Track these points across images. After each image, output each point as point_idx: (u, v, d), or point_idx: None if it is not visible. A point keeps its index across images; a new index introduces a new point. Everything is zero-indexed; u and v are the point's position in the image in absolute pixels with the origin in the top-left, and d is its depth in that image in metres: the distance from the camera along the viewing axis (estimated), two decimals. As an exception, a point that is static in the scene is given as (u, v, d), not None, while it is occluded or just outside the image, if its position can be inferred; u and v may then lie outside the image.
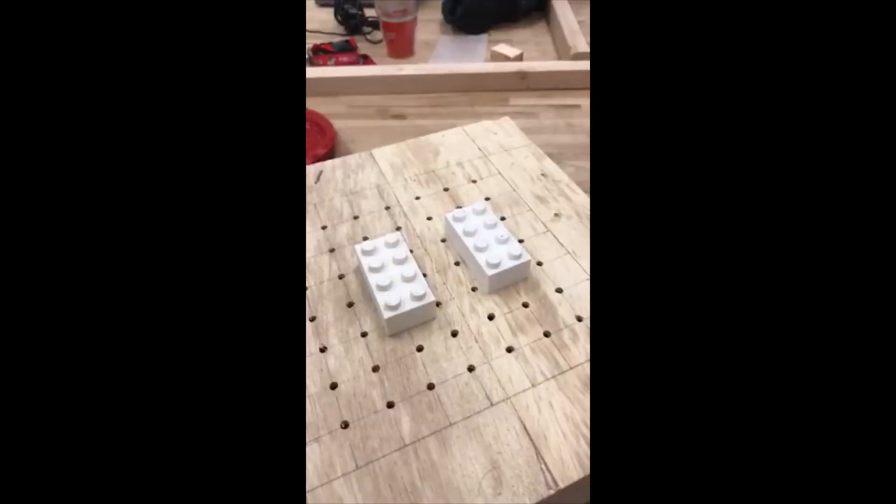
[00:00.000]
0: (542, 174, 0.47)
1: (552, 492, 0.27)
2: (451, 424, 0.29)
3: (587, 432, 0.29)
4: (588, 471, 0.28)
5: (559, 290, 0.37)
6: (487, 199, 0.45)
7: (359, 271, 0.38)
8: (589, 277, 0.38)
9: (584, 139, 0.63)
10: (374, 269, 0.36)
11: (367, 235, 0.41)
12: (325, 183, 0.47)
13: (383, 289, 0.35)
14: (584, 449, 0.28)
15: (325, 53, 0.81)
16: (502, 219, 0.43)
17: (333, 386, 0.32)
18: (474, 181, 0.47)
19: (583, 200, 0.44)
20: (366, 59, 0.80)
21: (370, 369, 0.32)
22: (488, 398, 0.31)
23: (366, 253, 0.37)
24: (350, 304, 0.36)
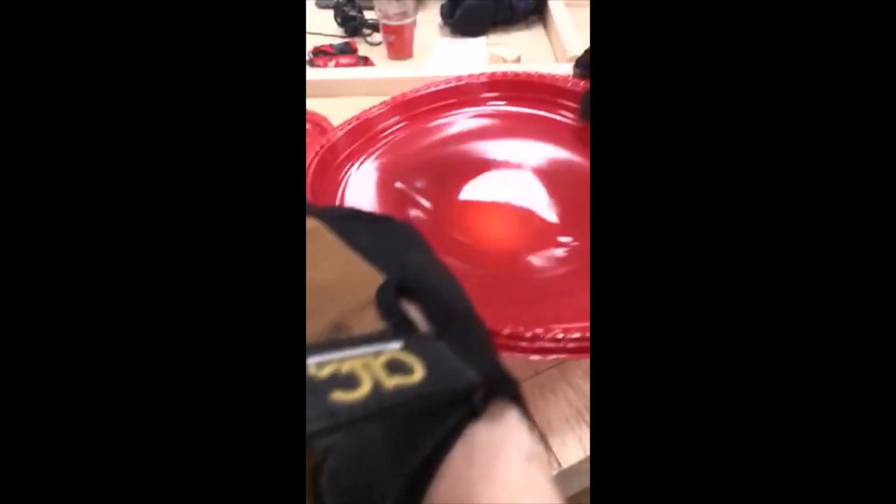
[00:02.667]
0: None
1: (555, 472, 0.28)
2: (459, 410, 0.31)
3: (588, 417, 0.31)
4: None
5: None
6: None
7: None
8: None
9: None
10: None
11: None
12: (331, 181, 0.48)
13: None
14: (586, 432, 0.30)
15: (325, 55, 0.82)
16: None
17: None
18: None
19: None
20: (366, 61, 0.81)
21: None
22: (494, 385, 0.32)
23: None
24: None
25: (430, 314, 0.17)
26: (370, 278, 0.18)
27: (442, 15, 0.91)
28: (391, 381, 0.14)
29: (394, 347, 0.15)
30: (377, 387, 0.14)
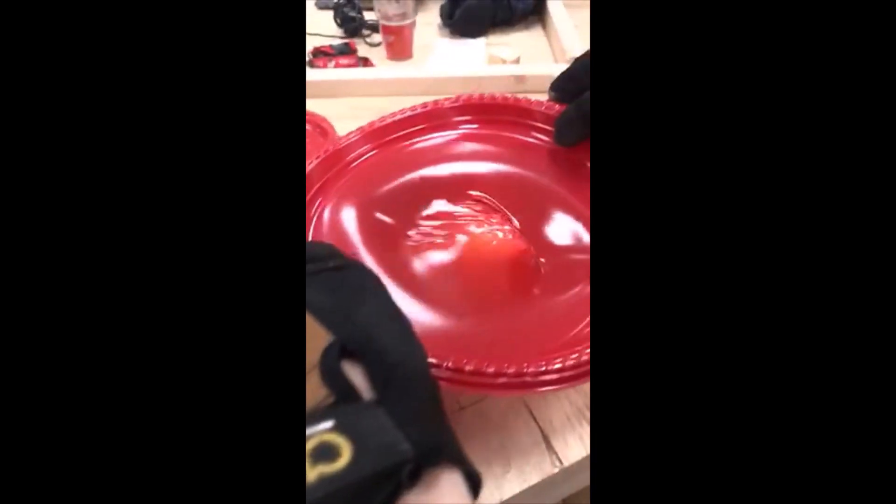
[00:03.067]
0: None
1: (557, 470, 0.28)
2: (461, 409, 0.31)
3: (589, 415, 0.31)
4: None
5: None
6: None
7: (367, 266, 0.40)
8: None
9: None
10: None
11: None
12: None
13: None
14: (587, 430, 0.30)
15: (324, 56, 0.82)
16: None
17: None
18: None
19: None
20: (365, 62, 0.81)
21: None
22: (495, 384, 0.32)
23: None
24: (360, 298, 0.38)
25: (373, 377, 0.17)
26: (316, 340, 0.18)
27: (441, 16, 0.91)
28: (314, 472, 0.14)
29: (325, 427, 0.15)
30: None
